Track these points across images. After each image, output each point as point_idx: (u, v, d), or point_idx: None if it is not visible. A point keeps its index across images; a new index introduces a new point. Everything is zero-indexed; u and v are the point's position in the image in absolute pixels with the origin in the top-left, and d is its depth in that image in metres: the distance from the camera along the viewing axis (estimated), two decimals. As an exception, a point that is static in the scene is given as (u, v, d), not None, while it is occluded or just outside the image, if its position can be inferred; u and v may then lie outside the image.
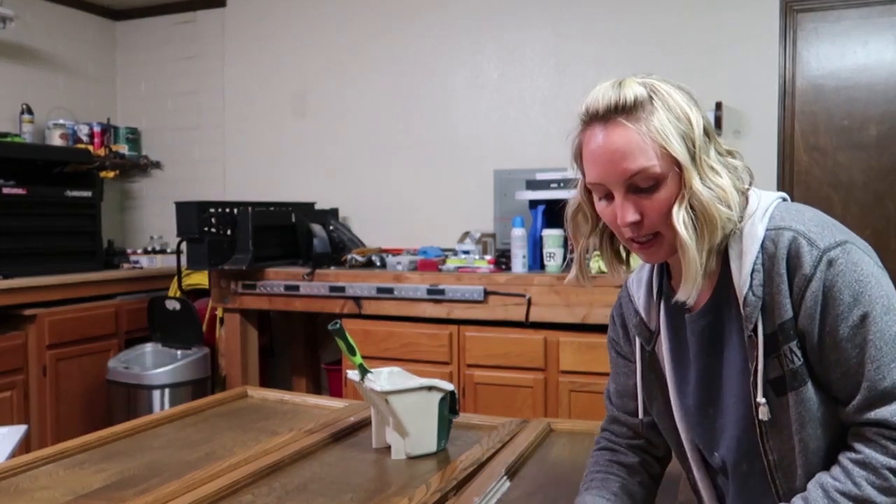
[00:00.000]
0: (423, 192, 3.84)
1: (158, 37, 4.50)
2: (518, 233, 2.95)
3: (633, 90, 0.96)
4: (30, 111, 3.94)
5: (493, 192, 3.60)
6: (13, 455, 1.87)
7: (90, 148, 4.05)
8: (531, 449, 1.52)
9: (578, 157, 1.03)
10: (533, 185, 3.04)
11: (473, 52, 3.75)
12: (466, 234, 3.43)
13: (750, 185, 1.02)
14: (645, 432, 1.18)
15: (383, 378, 1.54)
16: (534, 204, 3.03)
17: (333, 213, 3.84)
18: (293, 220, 3.55)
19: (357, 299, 3.10)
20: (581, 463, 1.38)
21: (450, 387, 1.52)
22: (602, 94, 0.97)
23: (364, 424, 1.68)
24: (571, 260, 1.13)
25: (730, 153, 1.01)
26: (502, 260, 3.08)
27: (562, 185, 2.95)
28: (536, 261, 2.98)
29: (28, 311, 3.26)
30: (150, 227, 4.48)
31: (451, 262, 3.06)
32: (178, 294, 3.71)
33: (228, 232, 3.33)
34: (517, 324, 2.84)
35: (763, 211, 0.98)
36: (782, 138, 3.23)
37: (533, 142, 3.60)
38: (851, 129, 3.16)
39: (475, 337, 2.90)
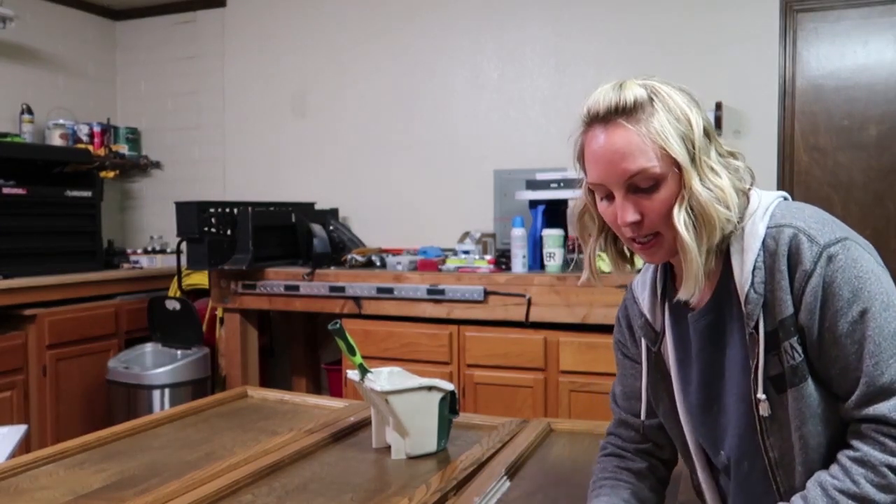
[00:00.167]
0: (423, 192, 3.84)
1: (158, 37, 4.50)
2: (518, 233, 2.95)
3: (633, 92, 0.97)
4: (30, 111, 3.94)
5: (493, 192, 3.60)
6: (13, 455, 1.87)
7: (90, 148, 4.05)
8: (531, 449, 1.52)
9: (581, 157, 1.04)
10: (533, 185, 3.04)
11: (473, 52, 3.75)
12: (466, 234, 3.43)
13: (751, 185, 1.03)
14: (651, 435, 1.18)
15: (383, 378, 1.54)
16: (534, 204, 3.03)
17: (333, 213, 3.84)
18: (293, 220, 3.55)
19: (357, 299, 3.10)
20: (581, 463, 1.38)
21: (450, 387, 1.52)
22: (603, 96, 0.98)
23: (364, 424, 1.68)
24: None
25: (731, 154, 1.02)
26: (502, 260, 3.08)
27: (562, 185, 2.95)
28: (536, 261, 2.98)
29: (28, 311, 3.26)
30: (150, 227, 4.48)
31: (451, 262, 3.06)
32: (178, 294, 3.71)
33: (228, 232, 3.33)
34: (517, 324, 2.84)
35: (764, 210, 0.99)
36: (782, 138, 3.23)
37: (533, 142, 3.60)
38: (851, 129, 3.16)
39: (475, 337, 2.90)
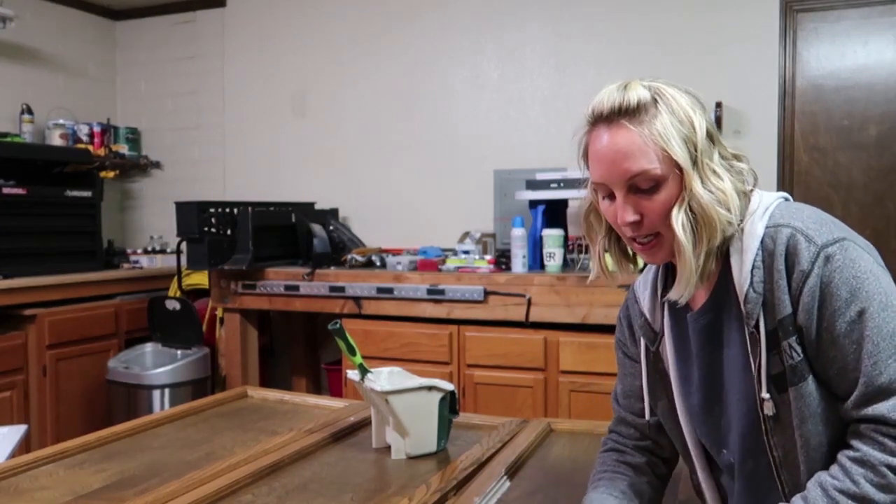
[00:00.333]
0: (423, 192, 3.84)
1: (158, 37, 4.50)
2: (518, 233, 2.95)
3: (636, 93, 0.98)
4: (30, 111, 3.94)
5: (493, 192, 3.60)
6: (13, 455, 1.87)
7: (90, 148, 4.05)
8: (531, 449, 1.52)
9: (585, 156, 1.05)
10: (533, 185, 3.03)
11: (473, 52, 3.75)
12: (466, 234, 3.43)
13: (753, 187, 1.04)
14: (651, 433, 1.18)
15: (383, 378, 1.54)
16: (534, 204, 3.03)
17: (333, 213, 3.84)
18: (293, 220, 3.55)
19: (357, 299, 3.10)
20: (581, 463, 1.38)
21: (450, 387, 1.52)
22: (607, 97, 1.00)
23: (364, 424, 1.68)
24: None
25: (736, 156, 1.03)
26: (502, 260, 3.08)
27: (562, 185, 2.95)
28: (536, 261, 2.98)
29: (28, 311, 3.26)
30: (150, 227, 4.48)
31: (451, 262, 3.06)
32: (178, 294, 3.71)
33: (228, 232, 3.33)
34: (517, 324, 2.84)
35: (763, 210, 1.00)
36: (782, 138, 3.23)
37: (533, 142, 3.60)
38: (851, 129, 3.16)
39: (475, 337, 2.90)
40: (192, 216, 3.21)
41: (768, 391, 0.96)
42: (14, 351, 3.20)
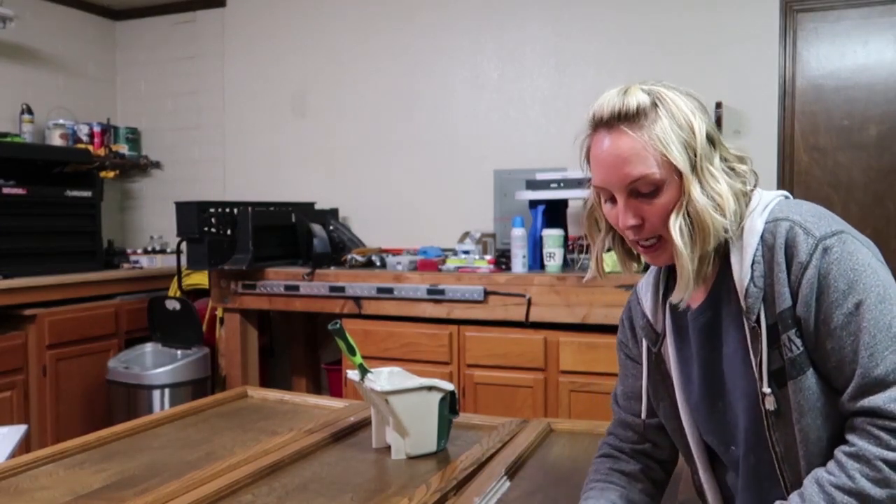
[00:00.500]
0: (423, 192, 3.84)
1: (158, 37, 4.50)
2: (518, 233, 2.95)
3: (636, 98, 0.98)
4: (30, 111, 3.94)
5: (493, 192, 3.60)
6: (13, 455, 1.87)
7: (90, 148, 4.05)
8: (531, 449, 1.52)
9: (587, 159, 1.06)
10: (533, 185, 3.03)
11: (473, 52, 3.75)
12: (466, 234, 3.43)
13: (754, 187, 1.04)
14: (650, 434, 1.18)
15: (383, 378, 1.54)
16: (534, 204, 3.03)
17: (333, 213, 3.84)
18: (293, 220, 3.55)
19: (357, 299, 3.10)
20: (581, 463, 1.38)
21: (450, 387, 1.52)
22: (607, 102, 1.00)
23: (364, 424, 1.68)
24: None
25: (739, 158, 1.03)
26: (502, 260, 3.07)
27: (562, 185, 2.95)
28: (536, 261, 2.98)
29: (28, 311, 3.26)
30: (150, 227, 4.48)
31: (451, 262, 3.06)
32: (178, 294, 3.71)
33: (228, 232, 3.33)
34: (517, 324, 2.84)
35: (763, 207, 1.01)
36: (782, 138, 3.23)
37: (533, 142, 3.60)
38: (851, 129, 3.16)
39: (475, 337, 2.90)
40: (192, 216, 3.21)
41: (769, 386, 0.97)
42: (14, 351, 3.20)
